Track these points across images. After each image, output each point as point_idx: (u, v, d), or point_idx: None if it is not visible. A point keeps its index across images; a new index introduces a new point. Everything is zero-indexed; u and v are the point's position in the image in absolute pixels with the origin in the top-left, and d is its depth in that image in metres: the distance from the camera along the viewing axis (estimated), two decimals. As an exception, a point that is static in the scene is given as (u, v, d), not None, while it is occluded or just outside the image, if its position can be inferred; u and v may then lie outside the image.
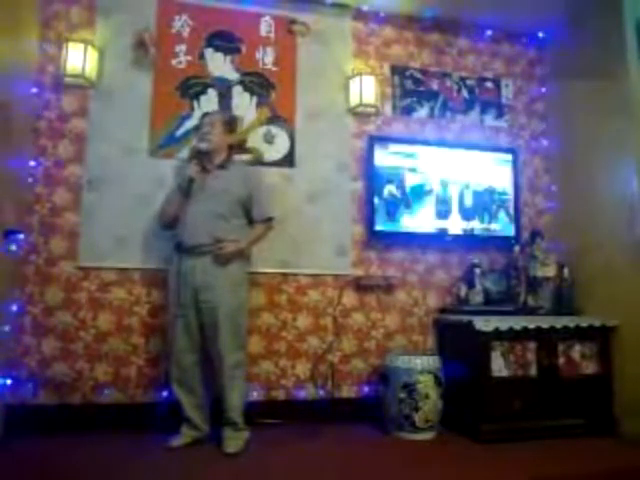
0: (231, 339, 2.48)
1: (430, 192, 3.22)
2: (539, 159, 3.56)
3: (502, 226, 3.32)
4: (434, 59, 3.47)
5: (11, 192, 2.57)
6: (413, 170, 3.21)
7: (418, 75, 3.43)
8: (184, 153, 2.94)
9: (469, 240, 3.29)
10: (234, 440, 2.43)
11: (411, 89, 3.40)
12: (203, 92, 3.06)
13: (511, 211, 3.34)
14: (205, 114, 2.77)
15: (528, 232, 3.32)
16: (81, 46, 2.82)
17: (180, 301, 2.46)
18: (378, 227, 3.12)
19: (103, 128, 2.90)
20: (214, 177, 2.61)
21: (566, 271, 3.14)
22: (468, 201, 3.28)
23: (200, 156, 2.64)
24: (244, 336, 2.62)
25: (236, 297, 2.54)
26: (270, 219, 2.70)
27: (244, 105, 3.11)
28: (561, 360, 2.85)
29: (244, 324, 2.61)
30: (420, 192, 3.21)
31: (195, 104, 3.04)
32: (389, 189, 3.17)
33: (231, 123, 2.82)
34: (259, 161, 3.07)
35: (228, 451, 2.37)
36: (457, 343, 2.97)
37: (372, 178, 3.16)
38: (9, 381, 2.59)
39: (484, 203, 3.30)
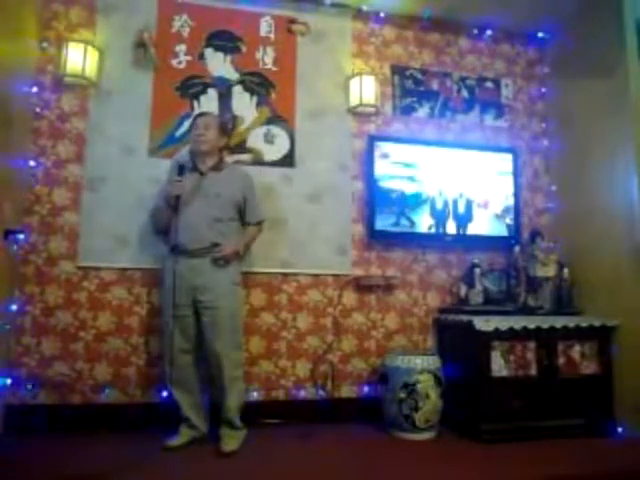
0: (231, 339, 2.51)
1: (430, 194, 3.22)
2: (539, 159, 3.56)
3: (501, 226, 3.32)
4: (434, 59, 3.47)
5: (11, 192, 2.57)
6: (412, 178, 3.21)
7: (418, 75, 3.43)
8: (183, 153, 2.94)
9: (469, 240, 3.28)
10: (231, 439, 2.45)
11: (411, 89, 3.40)
12: (203, 92, 3.06)
13: (511, 211, 3.34)
14: (199, 115, 2.72)
15: (528, 232, 3.32)
16: (81, 46, 2.82)
17: (176, 302, 2.46)
18: (378, 227, 3.12)
19: (103, 128, 2.90)
20: (208, 180, 2.60)
21: (566, 271, 3.14)
22: (468, 201, 3.28)
23: (192, 158, 2.64)
24: (241, 335, 2.66)
25: (234, 297, 2.59)
26: (262, 221, 2.77)
27: (244, 105, 3.11)
28: (561, 360, 2.84)
29: (240, 323, 2.65)
30: (419, 195, 3.21)
31: (195, 104, 3.04)
32: (389, 189, 3.17)
33: (225, 126, 2.81)
34: (259, 161, 3.07)
35: (225, 450, 2.37)
36: (457, 343, 2.96)
37: (372, 178, 3.16)
38: (9, 381, 2.59)
39: (484, 203, 3.30)
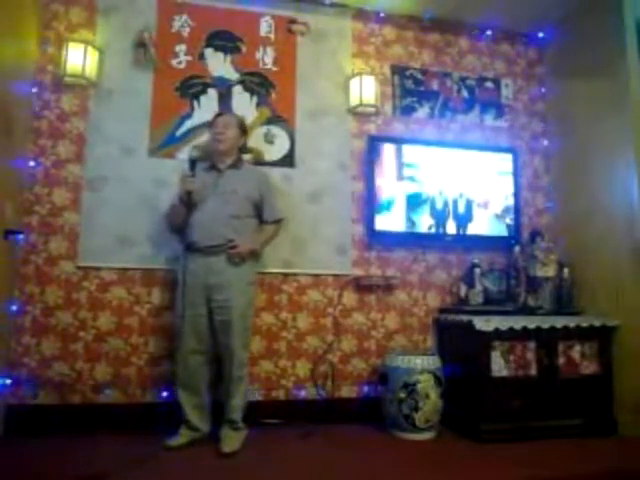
0: (241, 338, 2.51)
1: (430, 194, 3.22)
2: (539, 159, 3.56)
3: (501, 226, 3.32)
4: (434, 59, 3.47)
5: (11, 192, 2.57)
6: (412, 178, 3.21)
7: (418, 75, 3.43)
8: (185, 153, 2.94)
9: (469, 240, 3.28)
10: (231, 440, 2.44)
11: (411, 89, 3.40)
12: (203, 92, 3.06)
13: (511, 211, 3.33)
14: (219, 114, 2.78)
15: (528, 232, 3.32)
16: (81, 46, 2.82)
17: (190, 300, 2.47)
18: (378, 227, 3.12)
19: (103, 128, 2.90)
20: (226, 177, 2.62)
21: (566, 271, 3.14)
22: (468, 201, 3.28)
23: (210, 157, 2.66)
24: (250, 336, 2.66)
25: (247, 296, 2.58)
26: (280, 220, 2.77)
27: (244, 105, 3.11)
28: (561, 360, 2.84)
29: (250, 324, 2.64)
30: (419, 195, 3.21)
31: (195, 104, 3.04)
32: (389, 189, 3.17)
33: (244, 126, 2.82)
34: (259, 161, 3.07)
35: (225, 451, 2.37)
36: (457, 343, 2.96)
37: (372, 178, 3.16)
38: (9, 381, 2.59)
39: (484, 203, 3.30)
